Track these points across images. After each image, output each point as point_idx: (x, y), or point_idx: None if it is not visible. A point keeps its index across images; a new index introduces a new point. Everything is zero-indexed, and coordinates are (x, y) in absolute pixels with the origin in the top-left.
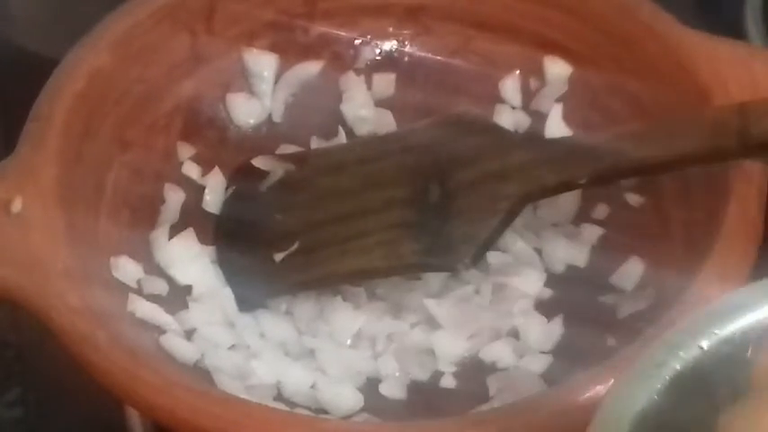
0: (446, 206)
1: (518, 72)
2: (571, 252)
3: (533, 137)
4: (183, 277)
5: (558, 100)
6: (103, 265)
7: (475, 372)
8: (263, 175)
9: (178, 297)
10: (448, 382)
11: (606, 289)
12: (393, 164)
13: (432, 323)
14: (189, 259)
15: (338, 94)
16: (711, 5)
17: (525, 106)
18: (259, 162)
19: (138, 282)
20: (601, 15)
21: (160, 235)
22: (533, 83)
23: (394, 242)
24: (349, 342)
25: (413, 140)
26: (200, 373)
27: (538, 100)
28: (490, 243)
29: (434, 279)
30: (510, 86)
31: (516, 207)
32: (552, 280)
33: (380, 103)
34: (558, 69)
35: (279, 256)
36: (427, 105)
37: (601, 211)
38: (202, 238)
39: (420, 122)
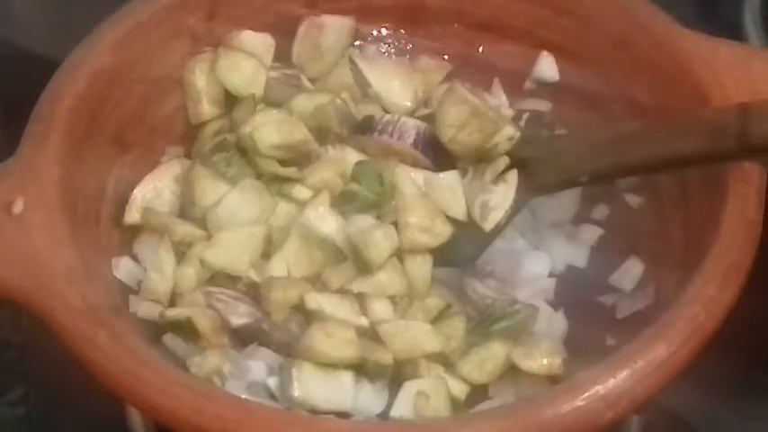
0: None
1: (516, 72)
2: (571, 252)
3: (535, 134)
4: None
5: (556, 100)
6: (105, 265)
7: None
8: None
9: None
10: None
11: (606, 289)
12: None
13: None
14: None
15: None
16: (710, 6)
17: (524, 107)
18: None
19: (140, 282)
20: (599, 16)
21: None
22: (531, 83)
23: None
24: None
25: None
26: None
27: (536, 100)
28: (491, 238)
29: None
30: (508, 87)
31: (517, 203)
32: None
33: None
34: (556, 70)
35: None
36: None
37: (600, 211)
38: None
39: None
